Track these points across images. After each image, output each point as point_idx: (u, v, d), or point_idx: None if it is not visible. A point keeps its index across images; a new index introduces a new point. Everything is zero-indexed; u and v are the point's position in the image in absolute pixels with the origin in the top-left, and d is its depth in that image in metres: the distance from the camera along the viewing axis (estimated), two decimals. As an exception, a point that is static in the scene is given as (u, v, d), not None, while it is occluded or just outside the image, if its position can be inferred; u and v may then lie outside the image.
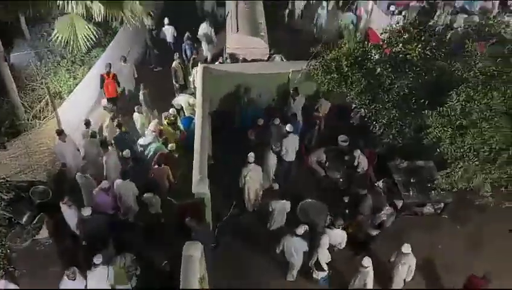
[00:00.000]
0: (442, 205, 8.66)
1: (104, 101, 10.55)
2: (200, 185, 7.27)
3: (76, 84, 10.57)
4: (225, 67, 10.91)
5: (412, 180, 8.71)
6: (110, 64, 10.68)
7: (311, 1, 16.07)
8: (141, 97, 10.64)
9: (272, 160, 8.98)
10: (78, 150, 9.12)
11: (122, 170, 8.49)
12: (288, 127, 9.18)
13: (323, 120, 10.60)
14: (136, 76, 11.67)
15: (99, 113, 10.53)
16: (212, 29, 13.09)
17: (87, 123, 9.48)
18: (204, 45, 13.19)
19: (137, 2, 9.04)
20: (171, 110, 10.03)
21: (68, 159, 8.80)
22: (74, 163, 8.82)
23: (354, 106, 8.91)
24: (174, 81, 11.56)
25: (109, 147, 8.84)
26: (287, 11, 15.02)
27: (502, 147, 5.61)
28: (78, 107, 10.49)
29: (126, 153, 8.68)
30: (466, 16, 13.71)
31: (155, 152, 8.81)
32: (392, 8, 13.69)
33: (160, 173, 8.43)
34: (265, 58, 12.07)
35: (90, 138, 9.20)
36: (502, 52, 6.75)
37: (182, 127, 10.06)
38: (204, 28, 12.98)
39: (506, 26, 7.76)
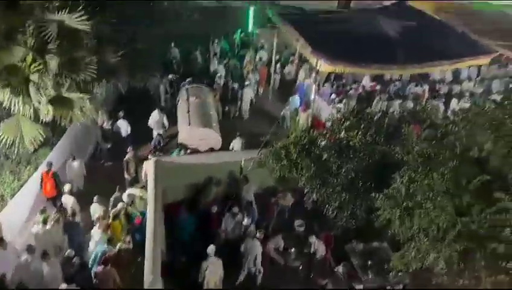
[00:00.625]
0: (401, 286, 8.58)
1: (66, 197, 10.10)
2: (152, 287, 6.81)
3: (21, 186, 10.06)
4: (177, 159, 10.90)
5: (369, 263, 8.65)
6: (51, 162, 10.34)
7: (259, 92, 16.97)
8: (112, 199, 10.13)
9: (258, 248, 8.90)
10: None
11: (66, 274, 7.82)
12: (245, 222, 9.19)
13: (287, 210, 10.69)
14: (85, 173, 11.39)
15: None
16: (165, 116, 13.34)
17: (44, 210, 9.15)
18: (155, 132, 13.34)
19: (87, 100, 9.07)
20: (120, 205, 9.70)
21: (8, 268, 8.03)
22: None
23: (306, 190, 9.05)
24: (125, 174, 11.36)
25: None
26: (239, 103, 15.63)
27: (449, 225, 5.77)
28: (22, 209, 9.88)
29: (69, 252, 8.09)
30: (400, 101, 14.90)
31: (102, 254, 8.24)
32: (333, 96, 14.65)
33: (106, 276, 7.78)
34: (218, 148, 12.31)
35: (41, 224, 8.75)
36: (435, 134, 7.24)
37: (136, 214, 9.71)
38: (156, 116, 13.22)
39: (436, 110, 8.42)
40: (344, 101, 14.27)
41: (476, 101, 12.86)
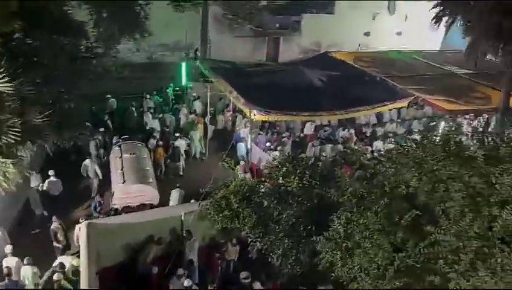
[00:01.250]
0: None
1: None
2: None
3: None
4: (111, 219, 10.38)
5: (317, 309, 8.56)
6: None
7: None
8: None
9: None
10: None
11: None
12: (186, 282, 8.91)
13: (231, 263, 10.52)
14: (9, 241, 10.43)
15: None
16: (97, 165, 13.27)
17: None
18: (90, 181, 13.15)
19: (10, 165, 8.47)
20: (55, 276, 8.94)
21: None
22: None
23: (249, 240, 8.96)
24: (55, 243, 10.57)
25: None
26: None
27: (387, 262, 5.94)
28: None
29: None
30: (332, 145, 15.60)
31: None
32: (268, 144, 15.02)
33: None
34: (156, 204, 11.97)
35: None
36: (365, 175, 7.59)
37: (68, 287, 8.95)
38: (87, 164, 13.08)
39: (364, 153, 8.89)
40: (279, 148, 14.65)
41: (399, 141, 13.79)
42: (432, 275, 5.63)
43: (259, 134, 16.05)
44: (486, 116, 17.26)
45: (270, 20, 25.77)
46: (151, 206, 11.78)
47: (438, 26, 12.89)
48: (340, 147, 15.05)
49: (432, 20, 12.93)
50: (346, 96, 14.75)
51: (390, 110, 17.68)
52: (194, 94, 19.01)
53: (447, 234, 5.57)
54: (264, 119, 14.50)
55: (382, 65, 18.91)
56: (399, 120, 19.03)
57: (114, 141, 14.60)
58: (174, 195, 12.23)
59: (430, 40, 23.73)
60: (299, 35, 26.59)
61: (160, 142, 15.06)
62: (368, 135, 17.24)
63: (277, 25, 26.46)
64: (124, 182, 11.87)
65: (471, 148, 6.29)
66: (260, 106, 13.50)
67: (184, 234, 10.04)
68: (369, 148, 15.02)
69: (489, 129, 15.09)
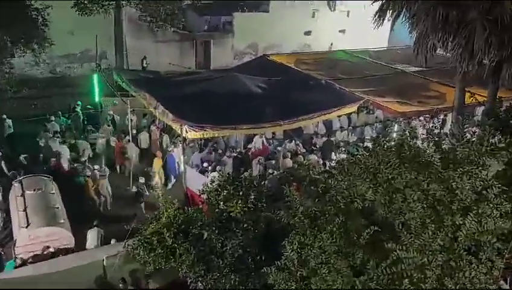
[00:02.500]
0: None
1: None
2: None
3: None
4: (16, 273, 9.80)
5: None
6: None
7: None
8: None
9: None
10: None
11: None
12: None
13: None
14: None
15: None
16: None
17: None
18: None
19: None
20: None
21: None
22: None
23: (189, 280, 8.81)
24: None
25: None
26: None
27: (347, 288, 6.06)
28: None
29: None
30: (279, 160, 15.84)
31: None
32: (206, 165, 14.94)
33: None
34: (71, 247, 11.44)
35: None
36: (317, 191, 7.75)
37: None
38: None
39: (313, 166, 9.10)
40: (218, 168, 14.61)
41: (350, 150, 14.30)
42: (397, 296, 5.81)
43: (193, 153, 15.94)
44: (442, 117, 18.34)
45: (196, 22, 25.90)
46: (67, 252, 11.22)
47: (382, 21, 13.58)
48: (287, 161, 15.30)
49: (375, 15, 13.61)
50: (290, 104, 15.09)
51: (339, 116, 18.26)
52: (111, 112, 18.50)
53: (410, 249, 5.78)
54: (198, 136, 14.39)
55: (327, 67, 19.64)
56: (350, 127, 19.71)
57: (11, 175, 13.81)
58: (91, 235, 11.74)
59: (377, 36, 24.96)
60: (232, 37, 26.98)
61: (89, 173, 14.47)
62: (317, 146, 17.66)
63: (205, 27, 26.67)
64: (29, 225, 11.21)
65: (427, 151, 6.62)
66: (192, 120, 13.40)
67: (120, 284, 9.78)
68: (320, 161, 15.42)
69: (446, 130, 15.96)
